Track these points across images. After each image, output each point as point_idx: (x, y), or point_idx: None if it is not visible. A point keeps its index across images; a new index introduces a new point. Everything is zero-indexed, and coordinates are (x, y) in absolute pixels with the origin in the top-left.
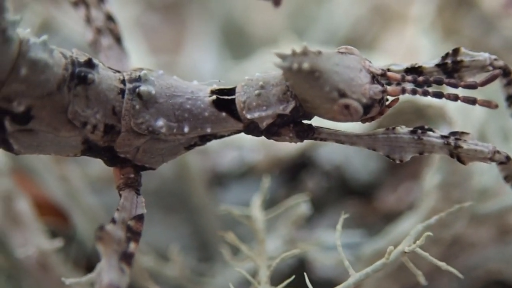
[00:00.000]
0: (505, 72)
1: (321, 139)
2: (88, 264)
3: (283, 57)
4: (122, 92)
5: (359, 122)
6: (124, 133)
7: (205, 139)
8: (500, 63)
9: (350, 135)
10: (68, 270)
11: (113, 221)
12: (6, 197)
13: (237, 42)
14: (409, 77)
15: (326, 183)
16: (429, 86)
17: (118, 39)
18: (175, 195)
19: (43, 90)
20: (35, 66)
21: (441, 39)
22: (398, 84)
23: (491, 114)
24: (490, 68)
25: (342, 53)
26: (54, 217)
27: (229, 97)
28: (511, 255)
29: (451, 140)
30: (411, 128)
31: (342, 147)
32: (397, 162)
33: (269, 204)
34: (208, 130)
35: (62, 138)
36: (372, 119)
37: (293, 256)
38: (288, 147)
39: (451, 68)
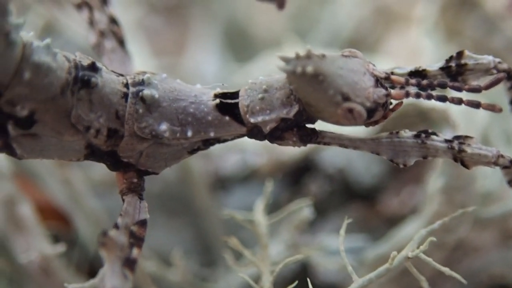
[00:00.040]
0: (509, 75)
1: (325, 143)
2: (90, 269)
3: (286, 60)
4: (125, 96)
5: (362, 126)
6: (127, 138)
7: (208, 143)
8: (504, 66)
9: (354, 139)
10: (71, 275)
11: (116, 226)
12: (9, 201)
13: (240, 44)
14: (413, 81)
15: (329, 186)
16: (433, 89)
17: (121, 42)
18: (178, 199)
19: (46, 94)
20: (38, 70)
21: (444, 40)
22: (402, 87)
23: (494, 117)
24: (494, 71)
25: (346, 56)
26: (57, 221)
27: (233, 101)
28: None
29: (455, 144)
30: (414, 132)
31: (345, 150)
32: (401, 166)
33: (272, 207)
34: (212, 134)
35: (65, 143)
36: (376, 123)
37: (296, 261)
38: (291, 151)
39: (455, 71)
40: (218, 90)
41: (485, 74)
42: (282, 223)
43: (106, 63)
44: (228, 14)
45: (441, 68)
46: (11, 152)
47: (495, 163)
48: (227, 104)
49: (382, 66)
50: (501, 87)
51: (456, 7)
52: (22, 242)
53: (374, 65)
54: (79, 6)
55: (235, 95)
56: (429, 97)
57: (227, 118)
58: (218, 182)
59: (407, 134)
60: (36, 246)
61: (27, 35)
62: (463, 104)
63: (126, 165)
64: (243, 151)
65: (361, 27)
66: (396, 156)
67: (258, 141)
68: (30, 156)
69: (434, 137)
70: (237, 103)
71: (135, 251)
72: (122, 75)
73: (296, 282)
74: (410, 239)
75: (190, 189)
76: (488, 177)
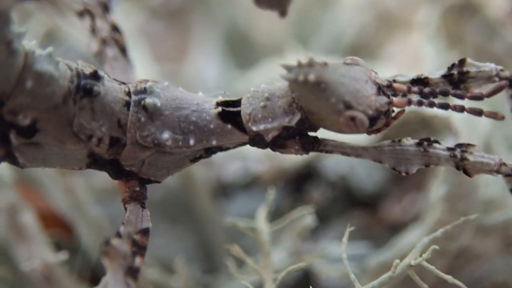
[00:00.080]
0: (511, 83)
1: (327, 151)
2: (92, 276)
3: (289, 68)
4: (127, 104)
5: (365, 134)
6: (129, 146)
7: (210, 151)
8: (506, 74)
9: (356, 147)
10: (73, 283)
11: (119, 235)
12: (11, 209)
13: (241, 49)
14: (415, 88)
15: (331, 194)
16: (435, 97)
17: (123, 50)
18: (180, 205)
19: (48, 103)
20: (40, 79)
21: (445, 46)
22: (404, 95)
23: (496, 124)
24: (496, 79)
25: (348, 64)
26: (59, 229)
27: (235, 109)
28: None
29: (457, 152)
30: (417, 140)
31: (347, 157)
32: (403, 174)
33: (274, 214)
34: (214, 143)
35: (67, 151)
36: (378, 130)
37: (299, 268)
38: (292, 158)
39: (457, 79)
40: (220, 98)
41: (487, 82)
42: (284, 231)
43: (108, 71)
44: (229, 20)
45: (443, 76)
46: (13, 161)
47: (498, 171)
48: (229, 112)
49: (384, 72)
50: (503, 95)
51: (457, 13)
52: (25, 250)
53: (376, 73)
54: (81, 14)
55: (237, 103)
56: (431, 105)
57: (229, 126)
58: (219, 188)
59: (409, 142)
60: (38, 254)
61: (29, 43)
62: (465, 112)
63: (129, 174)
64: (245, 158)
65: (363, 33)
66: (399, 164)
67: (260, 149)
68: (32, 164)
69: (436, 145)
70: (239, 111)
71: (137, 260)
72: (124, 83)
73: None
74: (413, 246)
75: (192, 196)
76: (490, 185)
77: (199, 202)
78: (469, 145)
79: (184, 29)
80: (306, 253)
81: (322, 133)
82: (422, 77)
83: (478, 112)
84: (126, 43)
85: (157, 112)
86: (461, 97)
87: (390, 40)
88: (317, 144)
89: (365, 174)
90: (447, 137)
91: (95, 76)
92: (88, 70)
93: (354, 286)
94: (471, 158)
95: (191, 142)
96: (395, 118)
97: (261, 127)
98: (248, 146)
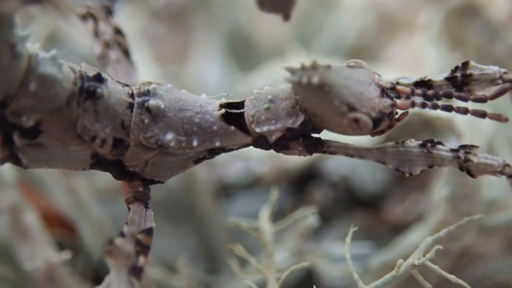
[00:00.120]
0: None
1: (330, 153)
2: (95, 276)
3: (292, 71)
4: (131, 106)
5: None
6: (133, 147)
7: (213, 152)
8: (510, 76)
9: (359, 149)
10: (76, 283)
11: (122, 235)
12: (14, 209)
13: (243, 51)
14: (419, 91)
15: (334, 194)
16: (439, 99)
17: (126, 53)
18: (182, 206)
19: (52, 105)
20: (44, 81)
21: (447, 48)
22: (408, 97)
23: (499, 126)
24: (500, 81)
25: (351, 66)
26: (61, 228)
27: (238, 111)
28: None
29: (461, 154)
30: (420, 142)
31: (349, 158)
32: (407, 175)
33: (276, 215)
34: (217, 144)
35: (71, 152)
36: (381, 132)
37: (301, 268)
38: (295, 159)
39: (460, 82)
40: (224, 100)
41: (491, 84)
42: (287, 231)
43: (111, 73)
44: (231, 22)
45: (447, 78)
46: (16, 161)
47: (501, 172)
48: (233, 114)
49: (385, 74)
50: (506, 97)
51: (459, 15)
52: (27, 249)
53: (379, 75)
54: (84, 17)
55: (240, 105)
56: (435, 107)
57: (232, 127)
58: (222, 189)
59: (412, 143)
60: (41, 254)
61: (32, 46)
62: (468, 114)
63: (132, 174)
64: (247, 159)
65: (364, 35)
66: (402, 165)
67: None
68: (35, 165)
69: (439, 146)
70: (242, 113)
71: (141, 259)
72: (127, 85)
73: None
74: (415, 246)
75: (194, 196)
76: (493, 186)
77: (201, 202)
78: (472, 146)
79: (186, 31)
80: (309, 253)
81: (325, 134)
82: (426, 79)
83: (482, 114)
84: (129, 46)
85: (160, 113)
86: (464, 99)
87: (391, 42)
88: (320, 146)
89: (368, 174)
90: (450, 138)
91: (98, 78)
92: (91, 72)
93: (357, 285)
94: (474, 159)
95: (195, 143)
96: (398, 120)
97: (265, 128)
98: (251, 147)
